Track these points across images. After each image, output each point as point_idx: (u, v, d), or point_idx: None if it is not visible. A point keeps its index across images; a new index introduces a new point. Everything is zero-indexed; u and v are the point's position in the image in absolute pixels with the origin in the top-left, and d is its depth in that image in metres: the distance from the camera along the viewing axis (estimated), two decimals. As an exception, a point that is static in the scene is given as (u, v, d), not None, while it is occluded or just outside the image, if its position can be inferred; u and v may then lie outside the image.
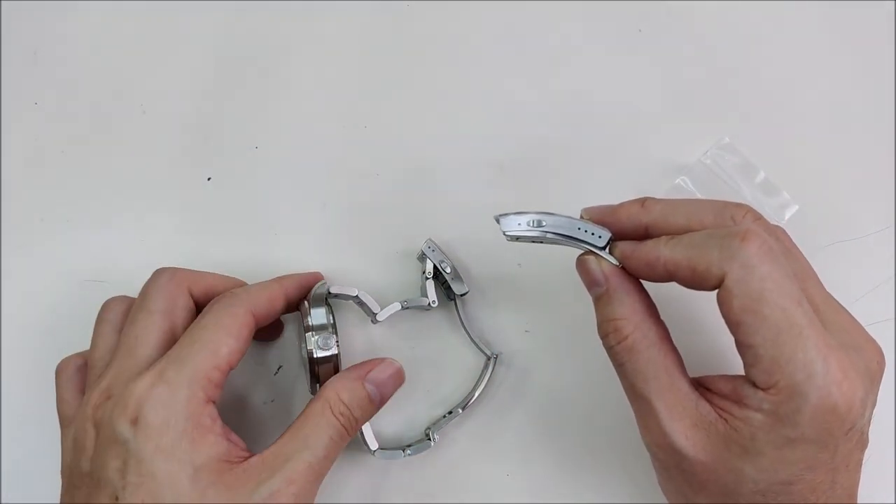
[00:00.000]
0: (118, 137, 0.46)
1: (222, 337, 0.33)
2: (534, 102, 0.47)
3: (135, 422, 0.31)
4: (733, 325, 0.30)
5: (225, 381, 0.34)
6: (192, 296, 0.37)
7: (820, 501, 0.30)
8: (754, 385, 0.30)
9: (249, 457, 0.33)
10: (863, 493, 0.33)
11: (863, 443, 0.32)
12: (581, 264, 0.35)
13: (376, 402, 0.37)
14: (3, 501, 0.41)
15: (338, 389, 0.35)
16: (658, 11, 0.48)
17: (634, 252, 0.33)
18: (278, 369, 0.42)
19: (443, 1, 0.48)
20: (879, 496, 0.41)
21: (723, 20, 0.49)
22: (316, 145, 0.46)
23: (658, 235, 0.33)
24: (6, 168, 0.46)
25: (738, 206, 0.33)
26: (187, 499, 0.31)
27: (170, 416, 0.31)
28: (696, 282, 0.31)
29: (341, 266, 0.43)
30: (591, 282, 0.34)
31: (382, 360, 0.38)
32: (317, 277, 0.41)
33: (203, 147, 0.46)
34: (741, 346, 0.30)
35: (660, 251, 0.32)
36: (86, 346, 0.37)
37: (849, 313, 0.33)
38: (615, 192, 0.45)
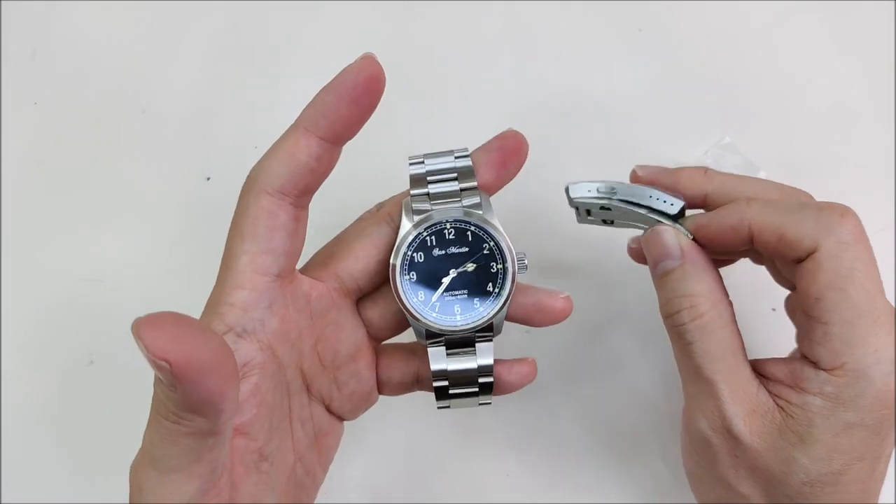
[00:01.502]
0: (118, 137, 0.46)
1: (236, 245, 0.29)
2: (534, 102, 0.47)
3: None
4: (812, 299, 0.29)
5: (275, 289, 0.29)
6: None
7: (860, 490, 0.30)
8: (816, 366, 0.29)
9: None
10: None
11: None
12: (655, 236, 0.32)
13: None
14: (3, 501, 0.41)
15: None
16: (658, 11, 0.48)
17: (713, 219, 0.32)
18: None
19: (443, 1, 0.48)
20: (879, 496, 0.41)
21: (723, 20, 0.48)
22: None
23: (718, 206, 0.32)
24: (6, 168, 0.46)
25: (804, 192, 0.33)
26: None
27: None
28: (779, 250, 0.30)
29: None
30: (663, 255, 0.32)
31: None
32: (358, 72, 0.30)
33: (203, 147, 0.46)
34: (813, 321, 0.29)
35: (746, 213, 0.30)
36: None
37: None
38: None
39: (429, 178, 0.32)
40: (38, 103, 0.47)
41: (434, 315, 0.31)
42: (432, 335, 0.31)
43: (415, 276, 0.31)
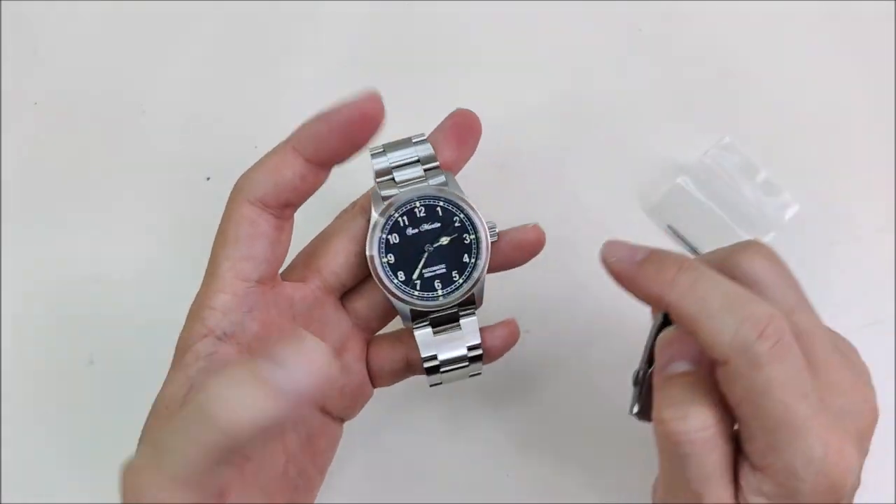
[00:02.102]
0: (118, 137, 0.46)
1: (218, 250, 0.30)
2: (534, 102, 0.47)
3: None
4: (731, 404, 0.28)
5: (255, 294, 0.30)
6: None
7: None
8: (752, 466, 0.28)
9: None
10: (862, 493, 0.33)
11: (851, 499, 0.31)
12: (679, 336, 0.30)
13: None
14: (3, 501, 0.41)
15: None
16: (658, 11, 0.48)
17: (636, 280, 0.29)
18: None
19: (443, 0, 0.48)
20: (879, 496, 0.41)
21: (723, 20, 0.48)
22: (316, 145, 0.46)
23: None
24: (6, 168, 0.46)
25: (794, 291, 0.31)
26: None
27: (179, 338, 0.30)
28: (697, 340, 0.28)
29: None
30: (680, 355, 0.30)
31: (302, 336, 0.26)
32: (356, 108, 0.29)
33: (203, 147, 0.46)
34: (738, 421, 0.28)
35: (666, 292, 0.28)
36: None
37: (850, 368, 0.31)
38: (615, 191, 0.45)
39: (392, 168, 0.33)
40: (38, 103, 0.47)
41: (416, 293, 0.32)
42: (417, 315, 0.32)
43: (392, 258, 0.32)
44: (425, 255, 0.32)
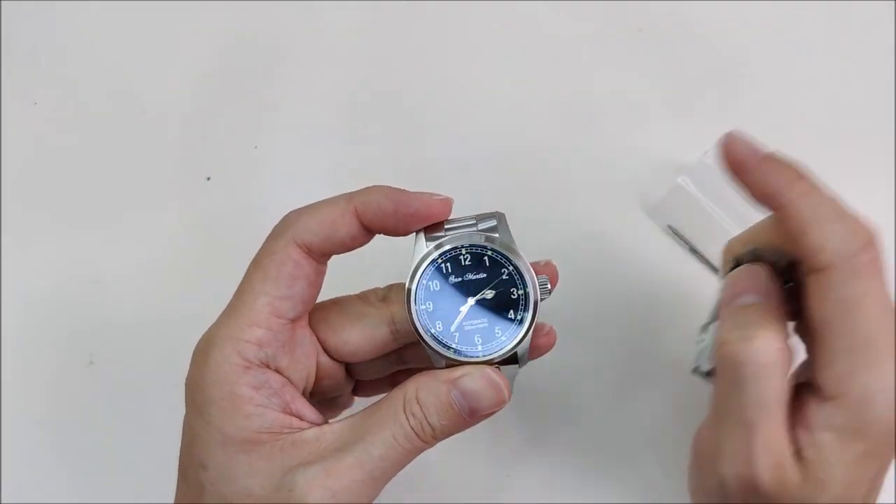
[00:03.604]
0: (118, 137, 0.46)
1: (257, 284, 0.30)
2: (534, 102, 0.47)
3: (188, 374, 0.30)
4: (819, 320, 0.28)
5: (286, 331, 0.30)
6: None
7: None
8: (820, 396, 0.28)
9: (310, 427, 0.30)
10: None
11: None
12: (745, 270, 0.31)
13: (463, 414, 0.30)
14: (3, 502, 0.41)
15: (419, 384, 0.30)
16: (658, 11, 0.48)
17: (755, 174, 0.30)
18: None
19: (443, 0, 0.48)
20: (879, 496, 0.41)
21: (723, 19, 0.48)
22: (315, 145, 0.46)
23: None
24: (6, 168, 0.46)
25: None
26: (214, 459, 0.29)
27: (202, 375, 0.29)
28: (798, 246, 0.29)
29: (343, 265, 0.43)
30: (746, 289, 0.30)
31: (483, 367, 0.30)
32: (426, 206, 0.30)
33: (203, 147, 0.46)
34: (819, 344, 0.28)
35: (786, 192, 0.29)
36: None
37: None
38: (615, 191, 0.45)
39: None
40: (38, 103, 0.47)
41: (454, 347, 0.30)
42: (452, 365, 0.30)
43: (431, 307, 0.30)
44: (467, 306, 0.30)
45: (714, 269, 0.44)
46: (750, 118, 0.47)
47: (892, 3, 0.49)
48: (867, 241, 0.28)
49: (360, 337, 0.32)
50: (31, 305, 0.43)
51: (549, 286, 0.31)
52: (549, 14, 0.48)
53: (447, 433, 0.31)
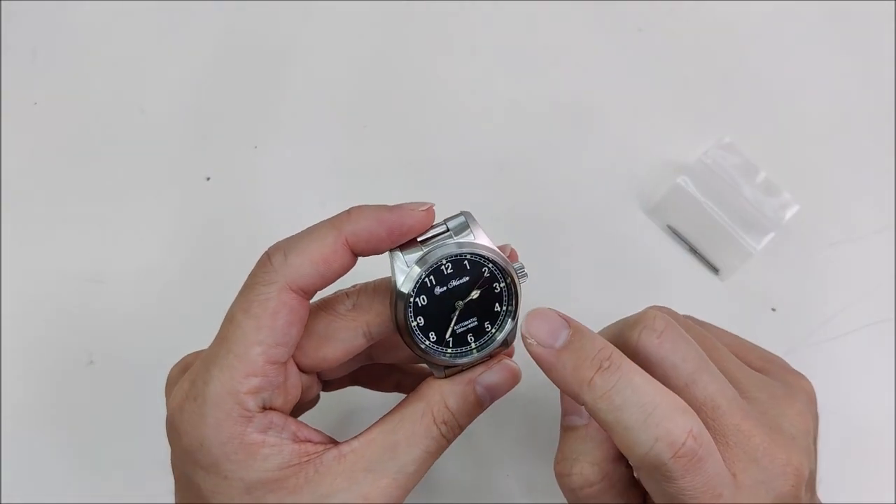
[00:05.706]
0: (118, 137, 0.46)
1: (250, 333, 0.28)
2: (534, 102, 0.47)
3: (176, 433, 0.29)
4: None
5: (281, 373, 0.30)
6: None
7: None
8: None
9: (326, 450, 0.29)
10: (863, 493, 0.33)
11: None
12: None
13: (484, 406, 0.31)
14: (3, 502, 0.41)
15: (444, 393, 0.30)
16: (658, 11, 0.48)
17: (560, 376, 0.29)
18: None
19: (443, 1, 0.48)
20: (879, 496, 0.41)
21: (723, 20, 0.48)
22: (315, 145, 0.46)
23: None
24: (6, 168, 0.46)
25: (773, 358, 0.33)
26: None
27: (204, 437, 0.28)
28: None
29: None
30: (573, 410, 0.31)
31: (498, 359, 0.31)
32: (417, 221, 0.30)
33: (202, 147, 0.46)
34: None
35: (585, 392, 0.28)
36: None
37: (766, 423, 0.30)
38: (614, 191, 0.45)
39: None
40: (38, 103, 0.47)
41: (450, 351, 0.30)
42: (452, 370, 0.31)
43: (422, 321, 0.30)
44: (457, 311, 0.30)
45: (714, 268, 0.44)
46: (749, 118, 0.47)
47: (893, 3, 0.49)
48: (676, 448, 0.26)
49: (335, 352, 0.32)
50: (31, 305, 0.43)
51: (525, 270, 0.31)
52: (549, 14, 0.48)
53: (468, 424, 0.32)
